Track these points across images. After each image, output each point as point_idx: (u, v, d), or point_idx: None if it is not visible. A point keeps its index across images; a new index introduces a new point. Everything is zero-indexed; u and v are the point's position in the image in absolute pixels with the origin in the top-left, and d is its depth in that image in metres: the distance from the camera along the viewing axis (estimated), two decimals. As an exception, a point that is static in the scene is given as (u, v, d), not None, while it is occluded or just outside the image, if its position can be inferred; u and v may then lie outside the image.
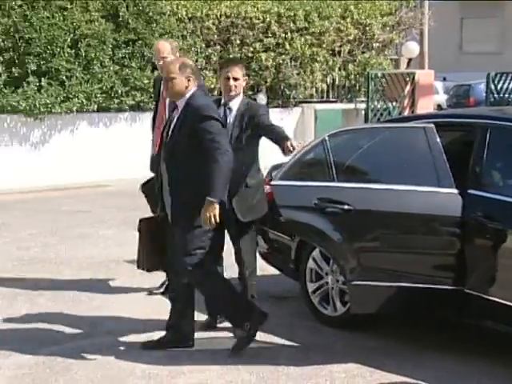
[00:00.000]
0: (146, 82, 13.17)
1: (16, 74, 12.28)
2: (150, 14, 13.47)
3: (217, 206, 4.71)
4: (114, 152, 13.02)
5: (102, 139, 13.05)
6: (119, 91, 13.05)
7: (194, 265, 4.85)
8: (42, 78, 12.36)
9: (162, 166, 4.99)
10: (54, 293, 6.35)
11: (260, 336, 5.24)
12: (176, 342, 5.05)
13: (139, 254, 5.15)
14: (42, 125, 12.64)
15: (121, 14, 13.27)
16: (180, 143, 4.86)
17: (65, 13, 12.68)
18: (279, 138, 4.95)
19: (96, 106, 12.97)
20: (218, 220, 4.75)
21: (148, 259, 5.12)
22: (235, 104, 5.25)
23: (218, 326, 5.46)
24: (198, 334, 5.15)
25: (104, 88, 12.94)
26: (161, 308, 5.62)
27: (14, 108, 12.17)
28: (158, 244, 5.03)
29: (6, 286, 6.60)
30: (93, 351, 5.06)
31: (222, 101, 5.28)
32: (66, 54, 12.51)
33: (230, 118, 5.21)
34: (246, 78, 5.40)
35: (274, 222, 5.76)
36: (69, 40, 12.56)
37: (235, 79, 5.21)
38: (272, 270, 6.22)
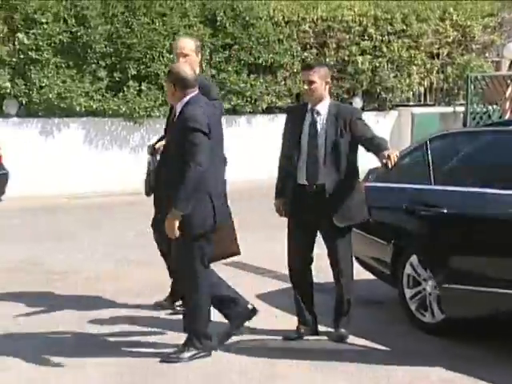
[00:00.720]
0: (242, 85, 13.29)
1: (117, 79, 12.61)
2: (247, 18, 13.59)
3: (176, 219, 4.68)
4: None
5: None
6: (216, 95, 13.19)
7: (187, 273, 4.90)
8: (142, 83, 12.65)
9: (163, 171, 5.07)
10: (152, 293, 6.46)
11: (356, 340, 5.22)
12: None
13: None
14: (141, 128, 12.93)
15: (218, 18, 13.44)
16: (172, 150, 4.89)
17: (164, 18, 12.95)
18: (378, 150, 4.87)
19: (193, 110, 13.14)
20: (177, 233, 4.72)
21: None
22: (323, 108, 5.19)
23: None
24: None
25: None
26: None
27: (114, 112, 12.50)
28: None
29: (106, 286, 6.79)
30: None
31: (309, 106, 5.25)
32: (165, 59, 12.76)
33: (320, 122, 5.18)
34: (328, 79, 5.24)
35: (368, 226, 5.65)
36: (168, 45, 12.80)
37: (310, 82, 5.15)
38: (368, 274, 6.16)
